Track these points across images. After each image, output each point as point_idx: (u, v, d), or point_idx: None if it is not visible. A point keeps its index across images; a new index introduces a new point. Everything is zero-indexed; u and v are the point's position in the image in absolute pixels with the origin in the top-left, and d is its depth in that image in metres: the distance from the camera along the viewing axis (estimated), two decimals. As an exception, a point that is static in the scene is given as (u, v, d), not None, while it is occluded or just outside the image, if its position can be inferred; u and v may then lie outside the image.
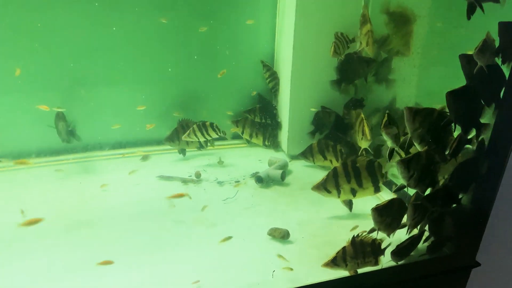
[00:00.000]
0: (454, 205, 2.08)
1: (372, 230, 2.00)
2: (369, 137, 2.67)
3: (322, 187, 2.52)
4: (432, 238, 2.12)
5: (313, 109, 3.20)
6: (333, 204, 2.63)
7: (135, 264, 2.09)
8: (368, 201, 2.61)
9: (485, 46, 1.74)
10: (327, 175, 2.51)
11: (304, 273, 2.03)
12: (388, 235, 2.01)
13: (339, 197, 2.52)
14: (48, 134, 3.00)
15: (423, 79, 2.77)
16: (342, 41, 2.89)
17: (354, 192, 2.50)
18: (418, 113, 1.82)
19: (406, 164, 1.82)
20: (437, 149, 1.93)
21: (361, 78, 3.07)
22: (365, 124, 2.69)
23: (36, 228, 2.33)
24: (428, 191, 1.99)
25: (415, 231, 2.05)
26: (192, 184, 2.92)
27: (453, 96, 1.78)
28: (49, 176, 2.96)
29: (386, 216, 1.93)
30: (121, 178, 2.97)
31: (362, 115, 2.78)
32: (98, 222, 2.44)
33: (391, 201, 1.95)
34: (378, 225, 1.95)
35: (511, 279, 2.64)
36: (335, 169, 2.49)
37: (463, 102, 1.82)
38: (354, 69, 3.03)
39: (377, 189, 2.52)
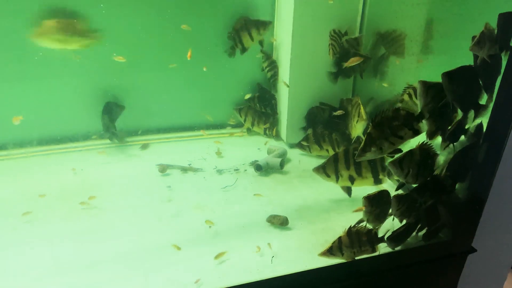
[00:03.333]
0: (448, 194, 2.09)
1: (360, 221, 2.03)
2: (364, 117, 2.66)
3: (322, 170, 2.53)
4: (426, 227, 2.14)
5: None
6: (332, 191, 2.65)
7: (136, 253, 2.12)
8: (368, 190, 2.61)
9: (483, 39, 1.73)
10: (328, 159, 2.51)
11: (303, 259, 2.06)
12: (375, 228, 2.03)
13: (337, 182, 2.52)
14: (49, 122, 3.03)
15: (421, 67, 2.77)
16: (336, 39, 2.94)
17: (352, 180, 2.50)
18: (432, 88, 1.81)
19: (398, 164, 1.83)
20: (441, 126, 1.93)
21: (356, 73, 3.09)
22: (361, 107, 2.70)
23: (39, 214, 2.38)
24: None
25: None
26: (191, 172, 2.94)
27: (448, 77, 1.79)
28: (51, 164, 2.98)
29: (376, 206, 1.95)
30: (121, 167, 2.99)
31: (359, 100, 2.78)
32: (98, 210, 2.46)
33: (381, 192, 1.98)
34: (367, 215, 1.97)
35: (506, 264, 2.68)
36: (335, 154, 2.50)
37: (460, 83, 1.82)
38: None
39: (377, 181, 2.50)
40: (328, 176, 2.53)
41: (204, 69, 3.18)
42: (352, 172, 2.48)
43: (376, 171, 2.48)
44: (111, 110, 3.14)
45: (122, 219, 2.39)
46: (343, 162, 2.47)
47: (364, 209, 1.97)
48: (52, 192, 2.61)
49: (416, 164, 1.86)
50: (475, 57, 1.88)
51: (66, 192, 2.61)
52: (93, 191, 2.64)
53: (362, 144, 1.81)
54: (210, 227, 2.30)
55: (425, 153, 1.89)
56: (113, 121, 3.14)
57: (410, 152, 1.85)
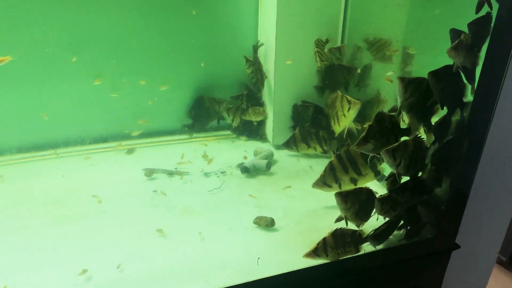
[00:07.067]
0: (430, 192, 2.11)
1: (339, 219, 2.04)
2: (357, 101, 2.64)
3: (322, 183, 2.53)
4: (408, 226, 2.16)
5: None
6: (317, 191, 2.66)
7: (123, 256, 2.11)
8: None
9: (461, 45, 1.76)
10: (324, 170, 2.50)
11: (289, 260, 2.07)
12: (357, 226, 2.04)
13: (340, 189, 2.52)
14: (29, 129, 3.00)
15: (404, 67, 2.82)
16: (321, 47, 2.99)
17: (354, 181, 2.51)
18: (410, 83, 1.84)
19: (392, 153, 1.84)
20: (423, 120, 1.96)
21: (342, 86, 3.12)
22: (347, 96, 2.72)
23: (22, 222, 2.36)
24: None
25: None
26: (178, 176, 2.93)
27: (435, 76, 1.82)
28: (32, 171, 2.94)
29: (352, 203, 1.96)
30: (106, 172, 2.97)
31: (339, 92, 2.80)
32: (84, 216, 2.44)
33: (359, 189, 1.99)
34: (345, 212, 1.98)
35: (491, 259, 2.72)
36: (330, 163, 2.49)
37: (446, 82, 1.85)
38: (336, 77, 3.10)
39: (377, 173, 2.51)
40: (330, 186, 2.52)
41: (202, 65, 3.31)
42: (352, 174, 2.49)
43: (374, 164, 2.49)
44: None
45: (107, 224, 2.38)
46: (340, 168, 2.48)
47: (339, 206, 1.98)
48: (36, 198, 2.59)
49: (409, 155, 1.88)
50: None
51: (50, 199, 2.59)
52: (78, 197, 2.62)
53: (364, 133, 1.86)
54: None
55: (417, 145, 1.91)
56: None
57: (404, 142, 1.86)
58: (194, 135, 3.54)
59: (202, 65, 3.36)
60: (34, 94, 2.98)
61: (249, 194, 2.71)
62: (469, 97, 1.95)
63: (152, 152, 3.32)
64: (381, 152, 1.85)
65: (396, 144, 1.85)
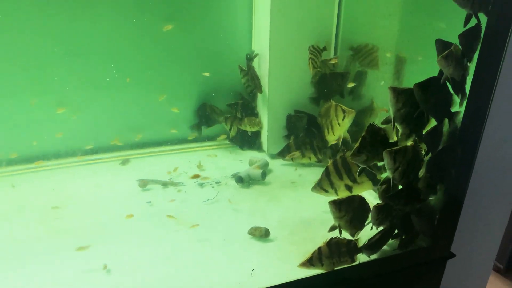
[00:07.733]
0: (424, 201, 2.11)
1: (333, 228, 2.03)
2: (352, 110, 2.65)
3: (319, 187, 2.55)
4: (402, 235, 2.16)
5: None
6: (313, 201, 2.67)
7: (117, 268, 2.09)
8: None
9: (451, 56, 1.77)
10: (321, 175, 2.53)
11: (284, 270, 2.06)
12: (352, 235, 2.03)
13: (337, 195, 2.53)
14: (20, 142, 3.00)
15: (396, 75, 2.83)
16: (316, 54, 2.99)
17: (349, 188, 2.51)
18: (402, 93, 1.85)
19: (393, 155, 1.84)
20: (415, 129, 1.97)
21: (336, 94, 3.12)
22: (341, 105, 2.73)
23: (15, 237, 2.34)
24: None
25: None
26: (172, 187, 2.92)
27: (421, 88, 1.83)
28: (22, 184, 2.92)
29: (346, 211, 1.95)
30: (100, 183, 2.95)
31: (332, 101, 2.81)
32: (78, 229, 2.43)
33: (352, 197, 1.99)
34: (338, 221, 1.98)
35: (487, 267, 2.72)
36: (327, 168, 2.51)
37: (433, 93, 1.86)
38: (330, 86, 3.11)
39: (375, 182, 2.51)
40: (326, 191, 2.53)
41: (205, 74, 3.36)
42: (346, 181, 2.49)
43: (371, 173, 2.49)
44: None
45: (101, 236, 2.36)
46: (334, 174, 2.49)
47: (333, 214, 1.98)
48: (26, 211, 2.57)
49: (407, 161, 1.88)
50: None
51: (41, 211, 2.57)
52: (72, 208, 2.61)
53: (358, 144, 1.87)
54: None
55: (415, 153, 1.92)
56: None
57: (405, 147, 1.87)
58: (190, 145, 3.54)
59: (206, 74, 3.37)
60: (24, 105, 2.97)
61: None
62: (457, 107, 1.96)
63: (147, 162, 3.31)
64: (383, 153, 1.84)
65: (398, 147, 1.86)
